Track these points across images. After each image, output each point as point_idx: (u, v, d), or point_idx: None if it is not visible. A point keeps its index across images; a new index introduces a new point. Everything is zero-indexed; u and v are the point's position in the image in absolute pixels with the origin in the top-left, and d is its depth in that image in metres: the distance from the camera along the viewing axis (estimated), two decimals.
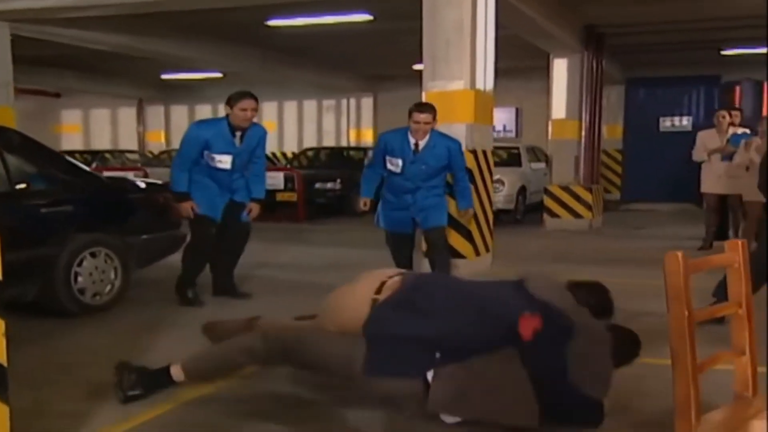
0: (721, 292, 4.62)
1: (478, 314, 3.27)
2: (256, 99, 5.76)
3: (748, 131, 9.02)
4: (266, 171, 6.37)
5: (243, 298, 6.10)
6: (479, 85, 7.53)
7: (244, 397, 3.75)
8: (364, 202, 6.34)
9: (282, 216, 12.43)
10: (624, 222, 13.09)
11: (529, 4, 9.35)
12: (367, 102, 20.39)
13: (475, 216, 7.50)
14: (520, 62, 14.89)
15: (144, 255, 5.89)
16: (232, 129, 5.73)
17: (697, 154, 9.13)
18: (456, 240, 7.43)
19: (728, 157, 8.79)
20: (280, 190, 12.64)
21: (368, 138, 19.97)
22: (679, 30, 12.87)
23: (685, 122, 16.20)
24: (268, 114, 21.23)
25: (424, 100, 7.50)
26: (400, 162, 6.11)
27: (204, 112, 21.31)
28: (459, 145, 6.31)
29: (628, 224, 12.72)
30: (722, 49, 14.62)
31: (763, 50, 14.50)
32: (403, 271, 3.95)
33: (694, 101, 16.40)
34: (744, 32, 13.02)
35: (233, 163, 5.76)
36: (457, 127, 7.36)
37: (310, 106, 21.72)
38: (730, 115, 9.21)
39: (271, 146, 21.27)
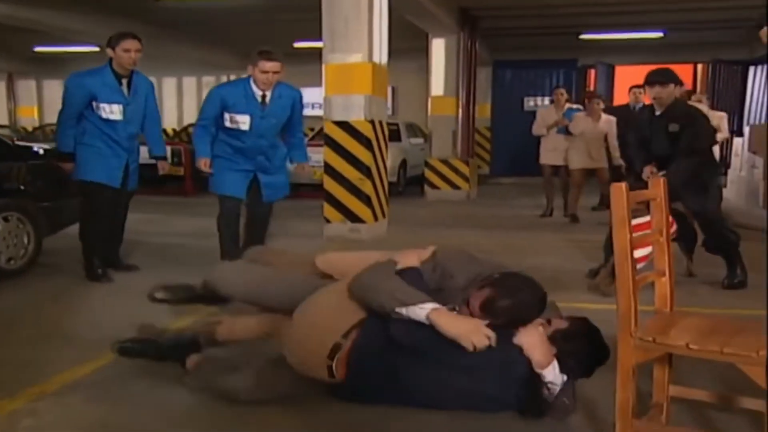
0: (608, 247, 5.08)
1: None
2: (139, 39, 5.20)
3: (581, 107, 9.84)
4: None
5: (130, 271, 5.67)
6: (376, 59, 7.73)
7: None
8: (204, 163, 5.31)
9: (170, 190, 12.22)
10: (496, 194, 13.75)
11: None
12: None
13: (373, 183, 7.75)
14: (396, 44, 15.16)
15: (52, 221, 5.69)
16: (118, 76, 5.21)
17: (537, 129, 9.80)
18: (356, 206, 7.65)
19: (564, 129, 9.50)
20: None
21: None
22: (543, 15, 13.59)
23: (547, 102, 16.97)
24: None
25: (324, 73, 7.65)
26: (247, 118, 5.19)
27: None
28: (301, 95, 5.50)
29: (500, 196, 13.39)
30: (580, 34, 15.53)
31: (615, 35, 15.60)
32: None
33: (554, 82, 17.31)
34: (600, 19, 13.94)
35: (124, 113, 5.22)
36: (355, 98, 7.59)
37: (189, 82, 21.21)
38: (569, 92, 10.18)
39: None
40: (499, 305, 2.82)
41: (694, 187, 5.19)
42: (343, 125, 7.61)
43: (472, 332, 2.69)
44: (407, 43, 14.85)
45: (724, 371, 3.18)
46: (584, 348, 2.86)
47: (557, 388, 2.75)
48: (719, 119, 9.72)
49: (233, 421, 2.91)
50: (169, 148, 13.05)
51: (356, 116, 7.58)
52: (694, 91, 15.58)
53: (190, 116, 20.50)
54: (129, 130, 5.36)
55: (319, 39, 7.71)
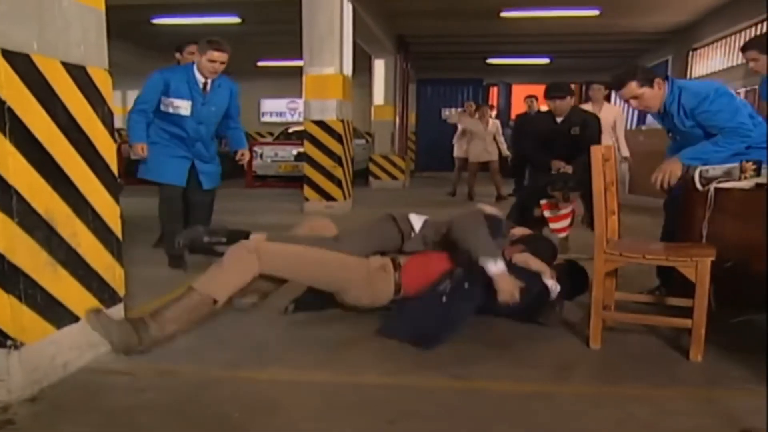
0: (514, 212, 5.48)
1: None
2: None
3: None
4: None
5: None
6: (345, 72, 8.02)
7: None
8: (141, 148, 4.40)
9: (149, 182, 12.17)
10: (422, 183, 14.19)
11: (368, 14, 9.94)
12: None
13: (343, 170, 8.04)
14: None
15: None
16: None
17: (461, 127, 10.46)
18: (330, 187, 7.93)
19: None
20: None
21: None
22: (458, 43, 14.12)
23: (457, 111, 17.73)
24: (132, 101, 20.07)
25: (304, 82, 7.88)
26: (188, 103, 4.47)
27: None
28: (238, 88, 4.82)
29: (425, 185, 13.85)
30: (487, 59, 16.18)
31: (513, 60, 16.31)
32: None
33: (465, 97, 17.95)
34: (501, 47, 14.58)
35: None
36: (329, 102, 7.85)
37: None
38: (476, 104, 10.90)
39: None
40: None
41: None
42: (320, 124, 7.87)
43: (510, 294, 2.98)
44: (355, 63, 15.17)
45: (645, 284, 3.71)
46: (573, 276, 3.45)
47: (555, 294, 3.18)
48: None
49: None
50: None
51: (330, 116, 7.86)
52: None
53: None
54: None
55: (280, 59, 7.93)
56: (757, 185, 2.59)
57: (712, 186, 2.95)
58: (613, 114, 7.81)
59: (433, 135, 17.46)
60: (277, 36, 11.71)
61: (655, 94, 3.34)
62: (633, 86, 3.30)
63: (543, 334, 3.15)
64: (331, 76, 7.80)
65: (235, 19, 11.34)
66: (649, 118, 14.01)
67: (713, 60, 11.58)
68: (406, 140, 13.90)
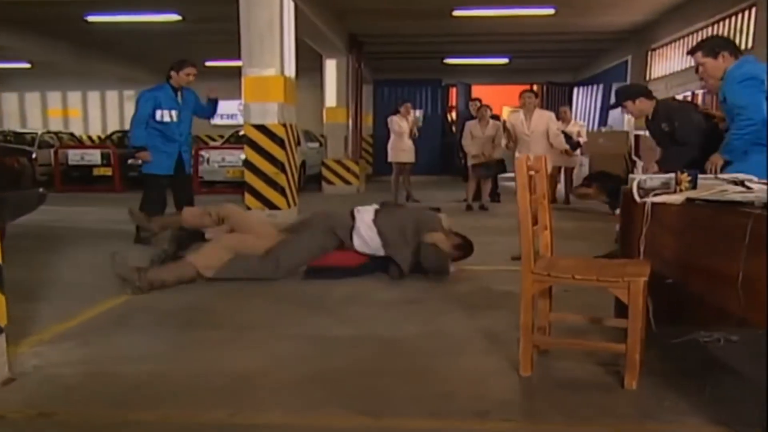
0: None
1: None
2: (196, 66, 6.22)
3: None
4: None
5: None
6: (286, 73, 7.77)
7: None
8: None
9: (101, 188, 11.74)
10: (378, 188, 13.96)
11: (314, 12, 9.71)
12: None
13: (287, 176, 7.79)
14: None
15: (10, 209, 5.39)
16: (174, 90, 6.17)
17: (396, 131, 10.35)
18: (273, 195, 7.67)
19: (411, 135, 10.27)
20: (97, 165, 11.87)
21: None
22: (414, 42, 13.99)
23: (418, 114, 17.55)
24: (72, 103, 19.50)
25: (243, 84, 7.62)
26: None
27: (11, 100, 18.99)
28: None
29: (381, 189, 13.63)
30: (444, 59, 16.09)
31: (471, 60, 16.26)
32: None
33: (424, 97, 17.88)
34: (459, 47, 14.50)
35: (178, 116, 6.15)
36: (270, 105, 7.60)
37: (112, 96, 20.13)
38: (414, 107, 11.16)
39: (77, 130, 19.45)
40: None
41: None
42: (260, 128, 7.61)
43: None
44: (303, 63, 14.84)
45: (589, 302, 3.57)
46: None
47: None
48: (580, 127, 10.48)
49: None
50: (99, 152, 12.68)
51: (271, 120, 7.60)
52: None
53: (113, 125, 19.56)
54: (180, 129, 6.24)
55: (228, 59, 7.69)
56: (688, 200, 2.45)
57: (649, 199, 2.80)
58: (545, 120, 8.04)
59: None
60: (222, 35, 11.36)
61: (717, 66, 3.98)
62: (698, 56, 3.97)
63: (472, 360, 2.97)
64: (271, 78, 7.55)
65: (175, 17, 10.98)
66: (610, 119, 14.11)
67: (671, 60, 11.66)
68: (361, 143, 13.68)
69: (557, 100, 18.40)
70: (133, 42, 13.74)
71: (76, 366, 2.89)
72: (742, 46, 8.86)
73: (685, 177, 2.69)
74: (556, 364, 2.91)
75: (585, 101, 16.73)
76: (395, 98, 17.77)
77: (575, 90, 17.50)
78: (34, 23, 11.71)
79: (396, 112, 10.47)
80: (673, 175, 2.85)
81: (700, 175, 2.85)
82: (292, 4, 7.98)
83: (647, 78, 12.53)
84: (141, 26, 11.67)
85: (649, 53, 12.58)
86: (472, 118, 9.76)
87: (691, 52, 4.18)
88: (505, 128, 8.77)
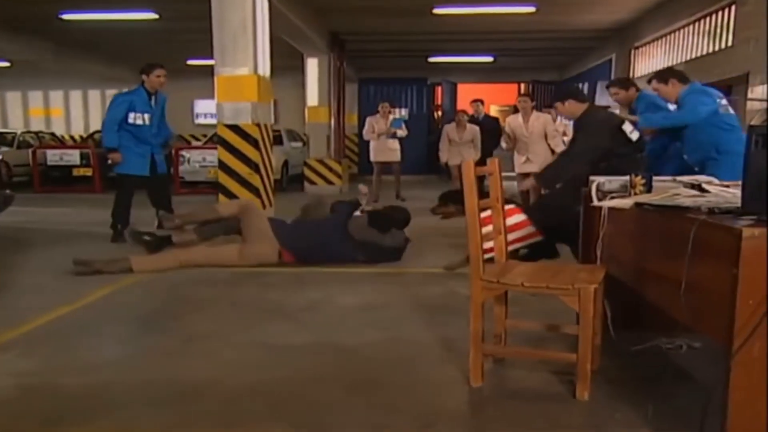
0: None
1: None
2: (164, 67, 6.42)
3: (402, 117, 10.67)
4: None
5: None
6: (260, 72, 7.66)
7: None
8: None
9: (81, 188, 11.59)
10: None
11: (291, 9, 9.60)
12: None
13: (261, 177, 7.69)
14: (276, 62, 15.03)
15: None
16: (148, 93, 6.37)
17: (367, 134, 10.35)
18: (248, 196, 7.53)
19: (392, 135, 10.16)
20: (76, 166, 11.72)
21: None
22: (398, 41, 13.88)
23: (404, 113, 17.50)
24: (54, 102, 19.29)
25: (216, 83, 7.51)
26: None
27: None
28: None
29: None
30: (428, 57, 16.00)
31: (456, 58, 16.19)
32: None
33: (409, 96, 17.79)
34: (443, 45, 14.40)
35: (151, 119, 6.37)
36: (243, 105, 7.47)
37: (94, 95, 19.90)
38: (393, 105, 10.98)
39: (59, 130, 19.25)
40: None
41: None
42: (234, 128, 7.48)
43: None
44: (286, 61, 14.69)
45: (548, 308, 3.49)
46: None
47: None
48: (564, 126, 10.44)
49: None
50: (78, 152, 12.53)
51: (245, 120, 7.48)
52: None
53: (96, 124, 19.32)
54: (153, 131, 6.45)
55: (210, 57, 7.55)
56: (636, 204, 2.38)
57: (601, 203, 2.74)
58: (542, 122, 8.12)
59: None
60: (202, 33, 11.23)
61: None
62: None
63: (425, 369, 2.90)
64: (244, 77, 7.43)
65: (152, 15, 10.84)
66: None
67: (655, 58, 11.63)
68: (343, 143, 13.59)
69: (544, 98, 18.36)
70: (113, 41, 13.56)
71: (14, 378, 2.80)
72: (723, 44, 8.84)
73: (639, 180, 2.62)
74: (510, 373, 2.84)
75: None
76: (380, 97, 17.67)
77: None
78: (9, 21, 11.54)
79: (376, 112, 10.45)
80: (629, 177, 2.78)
81: (657, 178, 2.78)
82: (266, 2, 7.87)
83: (631, 76, 12.50)
84: (119, 25, 11.52)
85: (633, 51, 12.55)
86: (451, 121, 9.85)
87: (648, 81, 5.17)
88: (503, 131, 8.77)
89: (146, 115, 6.36)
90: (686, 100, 4.73)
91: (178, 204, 10.03)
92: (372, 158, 10.37)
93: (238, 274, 4.88)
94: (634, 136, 4.32)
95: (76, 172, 11.83)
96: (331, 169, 12.57)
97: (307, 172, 12.63)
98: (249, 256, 5.14)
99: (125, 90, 6.80)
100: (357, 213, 5.62)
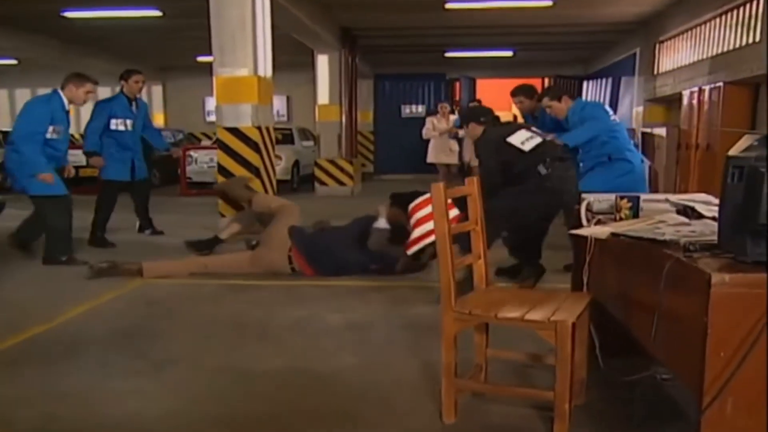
0: None
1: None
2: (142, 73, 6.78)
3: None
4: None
5: (155, 234, 7.16)
6: (261, 72, 7.58)
7: None
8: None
9: (87, 189, 11.65)
10: (377, 189, 13.80)
11: (295, 5, 9.50)
12: (157, 90, 19.07)
13: (262, 182, 7.63)
14: (289, 58, 14.99)
15: None
16: (128, 99, 6.64)
17: (427, 133, 10.20)
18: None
19: (454, 135, 9.92)
20: (83, 166, 11.75)
21: (159, 122, 18.97)
22: (413, 35, 13.70)
23: (420, 109, 17.36)
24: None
25: (215, 84, 7.46)
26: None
27: (1, 97, 19.01)
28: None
29: (379, 191, 13.45)
30: (445, 52, 15.81)
31: (474, 53, 15.99)
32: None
33: (426, 93, 17.62)
34: (460, 39, 14.19)
35: (133, 125, 6.63)
36: (243, 107, 7.40)
37: (103, 92, 20.02)
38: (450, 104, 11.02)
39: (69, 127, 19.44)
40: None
41: None
42: (234, 131, 7.43)
43: None
44: (298, 57, 14.67)
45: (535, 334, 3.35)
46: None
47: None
48: None
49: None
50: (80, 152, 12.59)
51: (245, 123, 7.42)
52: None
53: None
54: (134, 137, 6.72)
55: None
56: (612, 234, 2.24)
57: (583, 231, 2.60)
58: None
59: (394, 134, 17.10)
60: (207, 31, 11.26)
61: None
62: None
63: (401, 401, 2.79)
64: (244, 78, 7.36)
65: (156, 13, 10.83)
66: (618, 114, 13.78)
67: (680, 53, 11.32)
68: (354, 142, 13.49)
69: (569, 94, 18.05)
70: (120, 38, 13.58)
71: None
72: (749, 39, 8.55)
73: (625, 203, 2.48)
74: (488, 408, 2.71)
75: (595, 95, 16.40)
76: (397, 93, 17.62)
77: (585, 83, 17.16)
78: (15, 19, 11.63)
79: (435, 112, 10.67)
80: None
81: (647, 197, 2.64)
82: None
83: (655, 72, 12.20)
84: (125, 22, 11.54)
85: (657, 46, 12.24)
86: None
87: (539, 99, 5.63)
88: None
89: (128, 121, 6.61)
90: (589, 112, 5.27)
91: (185, 205, 10.13)
92: (431, 159, 10.51)
93: (227, 287, 4.83)
94: (527, 146, 4.42)
95: (82, 173, 11.85)
96: (342, 170, 12.48)
97: (318, 173, 12.56)
98: (260, 262, 5.15)
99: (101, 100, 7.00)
100: (378, 225, 5.39)
